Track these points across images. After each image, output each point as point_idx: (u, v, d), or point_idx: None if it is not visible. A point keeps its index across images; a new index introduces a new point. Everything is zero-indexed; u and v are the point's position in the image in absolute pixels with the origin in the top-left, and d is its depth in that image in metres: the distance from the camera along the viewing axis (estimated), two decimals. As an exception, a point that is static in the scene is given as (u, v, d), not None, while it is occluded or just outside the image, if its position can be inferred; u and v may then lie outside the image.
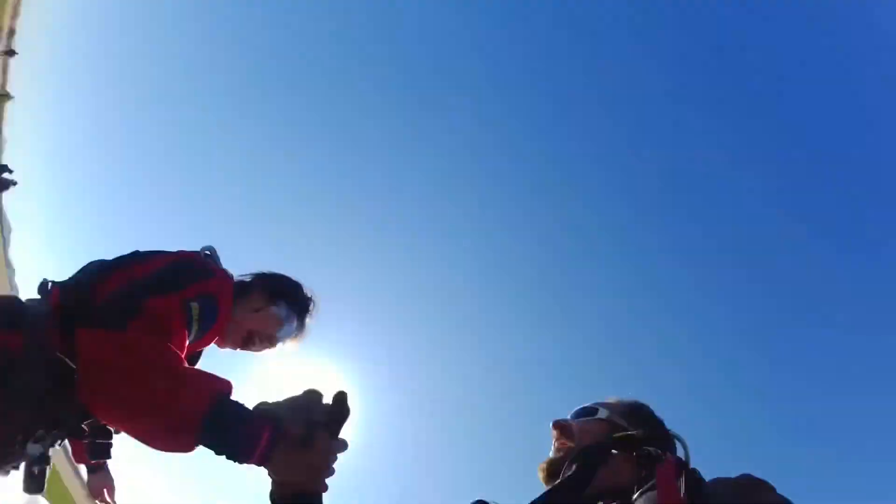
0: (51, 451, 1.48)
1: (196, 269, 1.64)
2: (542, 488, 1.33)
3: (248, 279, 1.92)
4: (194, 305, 1.44)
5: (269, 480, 1.00)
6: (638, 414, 1.48)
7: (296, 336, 1.99)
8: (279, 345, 1.93)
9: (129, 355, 1.12)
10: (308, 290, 2.03)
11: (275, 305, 1.88)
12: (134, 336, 1.17)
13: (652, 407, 1.54)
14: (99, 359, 1.14)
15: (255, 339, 1.86)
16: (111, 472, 2.25)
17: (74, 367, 1.23)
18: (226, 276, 1.76)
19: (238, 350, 1.90)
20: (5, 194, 20.24)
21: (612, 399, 1.54)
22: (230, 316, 1.70)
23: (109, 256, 1.63)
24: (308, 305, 2.01)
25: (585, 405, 1.50)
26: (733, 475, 1.16)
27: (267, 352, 1.93)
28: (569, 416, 1.49)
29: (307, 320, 2.01)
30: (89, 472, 2.23)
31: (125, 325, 1.18)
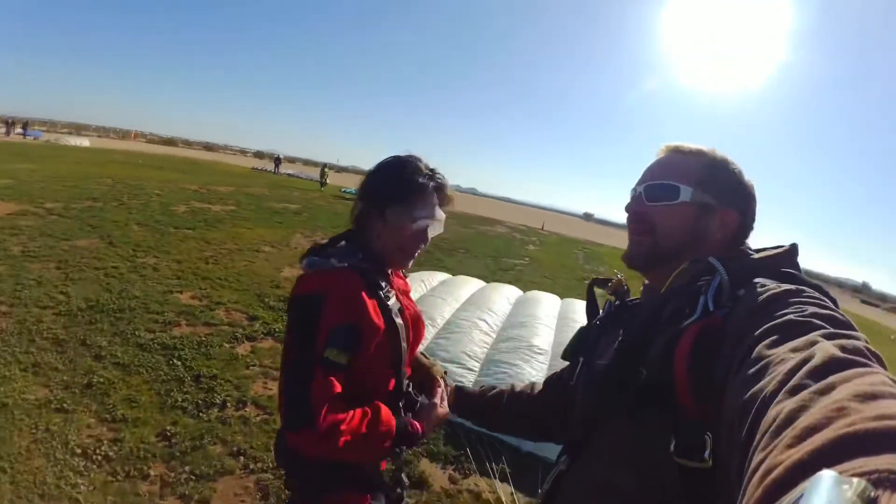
0: None
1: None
2: None
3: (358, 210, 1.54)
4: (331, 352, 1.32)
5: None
6: (726, 184, 1.14)
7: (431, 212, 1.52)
8: (431, 230, 1.53)
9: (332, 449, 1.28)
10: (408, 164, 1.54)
11: (388, 215, 1.49)
12: (325, 430, 1.25)
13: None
14: (314, 455, 1.32)
15: (409, 255, 1.55)
16: None
17: None
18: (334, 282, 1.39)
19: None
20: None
21: (683, 151, 1.17)
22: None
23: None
24: (414, 185, 1.51)
25: (657, 180, 1.15)
26: None
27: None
28: (639, 191, 1.16)
29: (428, 194, 1.52)
30: None
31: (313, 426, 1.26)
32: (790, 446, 0.44)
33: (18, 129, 45.13)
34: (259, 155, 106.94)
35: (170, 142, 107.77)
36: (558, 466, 1.18)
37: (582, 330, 1.34)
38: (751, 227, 1.14)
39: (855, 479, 0.32)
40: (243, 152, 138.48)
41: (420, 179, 1.50)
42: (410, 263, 1.58)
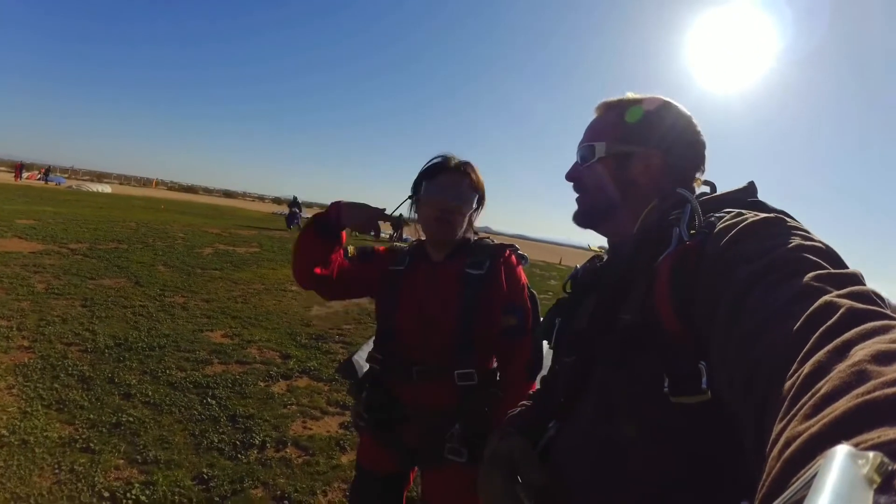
0: None
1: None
2: None
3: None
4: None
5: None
6: (644, 127, 1.16)
7: (446, 190, 1.86)
8: (456, 205, 1.85)
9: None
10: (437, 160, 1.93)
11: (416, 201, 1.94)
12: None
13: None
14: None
15: (440, 223, 1.87)
16: None
17: None
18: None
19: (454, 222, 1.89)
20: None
21: (611, 105, 1.22)
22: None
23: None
24: (431, 171, 1.90)
25: (584, 143, 1.22)
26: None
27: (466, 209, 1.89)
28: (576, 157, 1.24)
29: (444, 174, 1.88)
30: None
31: None
32: (808, 416, 0.40)
33: (39, 175, 47.19)
34: (277, 201, 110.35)
35: (190, 189, 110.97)
36: (548, 433, 1.15)
37: (554, 305, 1.32)
38: (687, 168, 1.14)
39: (871, 453, 0.29)
40: (261, 198, 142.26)
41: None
42: (439, 234, 1.90)
